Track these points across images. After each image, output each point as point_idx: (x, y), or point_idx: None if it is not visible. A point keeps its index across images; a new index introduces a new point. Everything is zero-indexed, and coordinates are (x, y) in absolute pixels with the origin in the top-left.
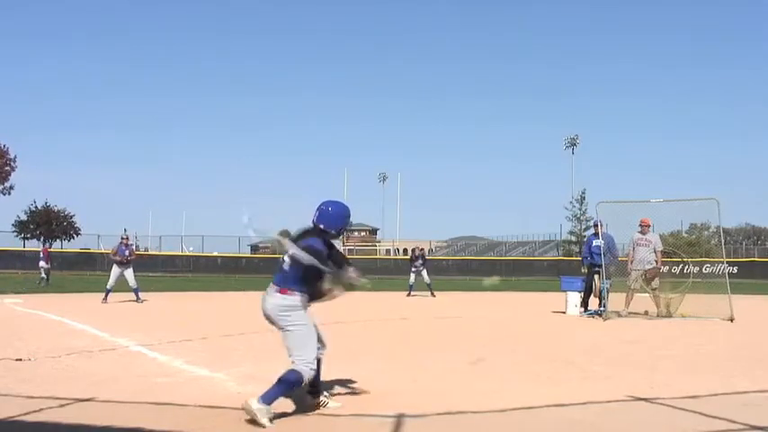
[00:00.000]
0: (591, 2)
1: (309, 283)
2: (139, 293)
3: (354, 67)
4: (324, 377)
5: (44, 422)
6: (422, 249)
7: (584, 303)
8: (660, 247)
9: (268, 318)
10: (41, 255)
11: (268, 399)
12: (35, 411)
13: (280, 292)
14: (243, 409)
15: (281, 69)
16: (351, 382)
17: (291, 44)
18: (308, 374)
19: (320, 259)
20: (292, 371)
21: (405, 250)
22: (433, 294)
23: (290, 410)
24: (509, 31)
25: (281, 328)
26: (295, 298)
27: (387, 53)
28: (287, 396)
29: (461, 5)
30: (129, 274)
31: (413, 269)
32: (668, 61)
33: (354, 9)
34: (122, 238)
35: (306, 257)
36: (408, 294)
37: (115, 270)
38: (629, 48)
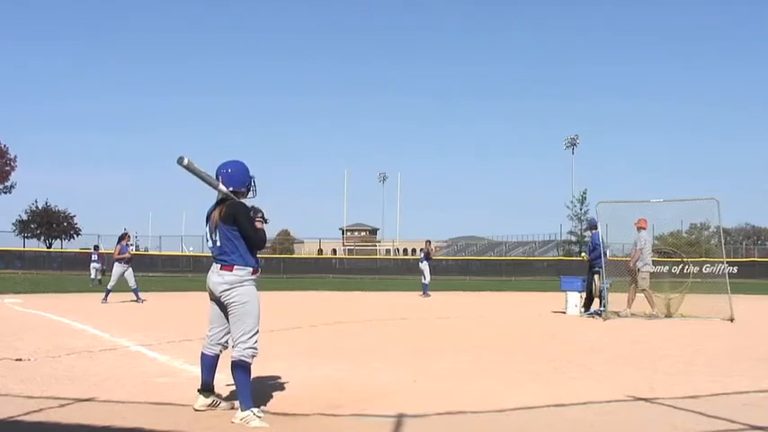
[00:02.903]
0: (590, 2)
1: (246, 250)
2: (139, 293)
3: (354, 66)
4: (324, 377)
5: (44, 422)
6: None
7: (587, 304)
8: (639, 245)
9: (214, 297)
10: (94, 257)
11: (246, 404)
12: (35, 411)
13: (224, 269)
14: (233, 422)
15: (282, 69)
16: (351, 381)
17: (292, 44)
18: (250, 357)
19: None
20: (236, 366)
21: (405, 250)
22: (427, 294)
23: (289, 411)
24: (509, 30)
25: (230, 305)
26: (241, 272)
27: (387, 53)
28: (277, 395)
29: (462, 5)
30: (129, 274)
31: (427, 264)
32: (668, 61)
33: (355, 9)
34: (125, 236)
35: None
36: (426, 294)
37: (117, 270)
38: (630, 48)
